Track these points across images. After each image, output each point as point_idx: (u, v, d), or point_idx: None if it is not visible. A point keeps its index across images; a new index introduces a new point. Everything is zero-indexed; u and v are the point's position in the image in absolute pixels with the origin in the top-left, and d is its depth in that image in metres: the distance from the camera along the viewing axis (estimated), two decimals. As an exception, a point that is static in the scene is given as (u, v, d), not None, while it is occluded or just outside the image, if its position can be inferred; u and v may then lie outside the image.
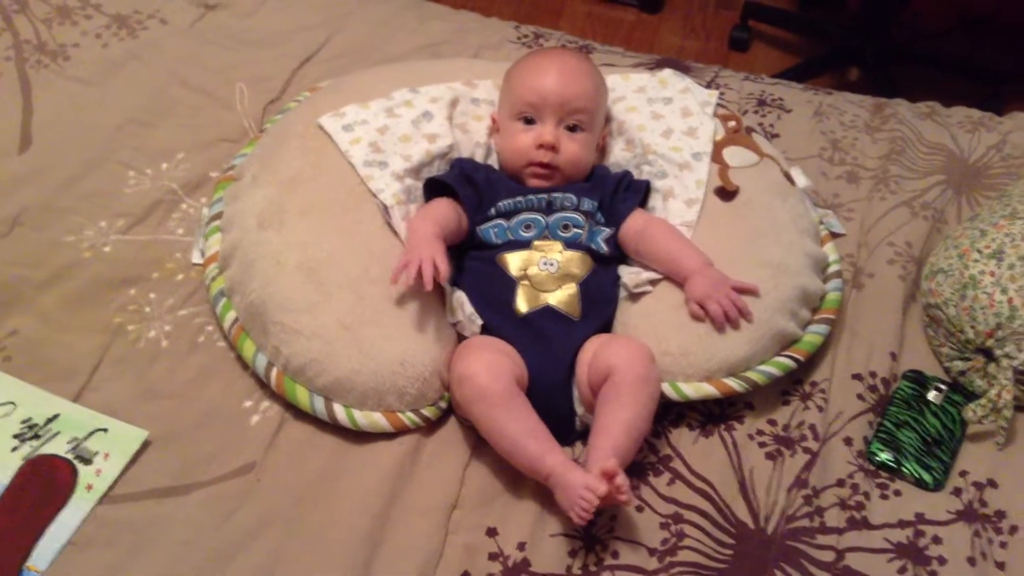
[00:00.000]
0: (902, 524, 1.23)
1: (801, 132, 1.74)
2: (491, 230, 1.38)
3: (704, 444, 1.29)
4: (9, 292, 1.37)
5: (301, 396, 1.27)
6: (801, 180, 1.56)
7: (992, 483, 1.28)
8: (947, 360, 1.40)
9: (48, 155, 1.56)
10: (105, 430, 1.23)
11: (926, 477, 1.27)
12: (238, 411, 1.28)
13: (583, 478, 1.12)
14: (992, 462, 1.30)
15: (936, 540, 1.21)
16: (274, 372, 1.29)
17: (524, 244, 1.36)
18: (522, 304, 1.32)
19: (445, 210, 1.37)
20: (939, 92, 2.00)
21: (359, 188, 1.40)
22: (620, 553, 1.18)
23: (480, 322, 1.31)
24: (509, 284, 1.33)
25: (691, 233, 1.40)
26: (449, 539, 1.18)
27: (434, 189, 1.42)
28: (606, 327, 1.36)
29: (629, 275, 1.38)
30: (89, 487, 1.18)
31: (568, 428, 1.29)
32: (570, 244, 1.37)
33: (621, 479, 1.12)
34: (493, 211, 1.40)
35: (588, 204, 1.41)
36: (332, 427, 1.26)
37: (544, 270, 1.34)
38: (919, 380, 1.37)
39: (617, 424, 1.20)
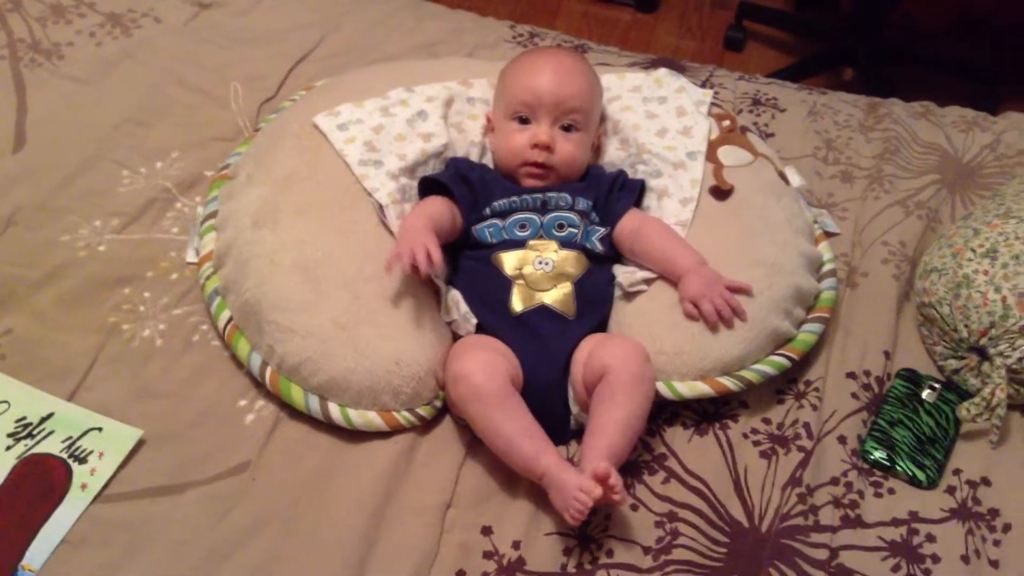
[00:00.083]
0: (896, 522, 1.23)
1: (795, 131, 1.75)
2: (486, 229, 1.38)
3: (699, 443, 1.29)
4: (3, 291, 1.37)
5: (296, 395, 1.27)
6: (795, 179, 1.56)
7: (986, 481, 1.28)
8: (941, 359, 1.40)
9: (42, 154, 1.56)
10: (100, 429, 1.23)
11: (920, 475, 1.27)
12: (233, 410, 1.28)
13: (577, 479, 1.13)
14: (986, 460, 1.30)
15: (930, 538, 1.22)
16: (269, 371, 1.29)
17: (519, 243, 1.36)
18: (517, 303, 1.32)
19: (439, 207, 1.37)
20: (933, 92, 2.01)
21: (354, 187, 1.40)
22: (615, 552, 1.18)
23: (475, 321, 1.31)
24: (504, 283, 1.33)
25: (686, 232, 1.41)
26: (444, 538, 1.18)
27: (429, 188, 1.42)
28: (601, 326, 1.36)
29: (624, 274, 1.38)
30: (84, 486, 1.18)
31: (563, 427, 1.29)
32: (565, 243, 1.37)
33: (614, 479, 1.12)
34: (488, 210, 1.40)
35: (583, 203, 1.41)
36: (327, 426, 1.26)
37: (539, 269, 1.34)
38: (913, 379, 1.37)
39: (611, 423, 1.20)
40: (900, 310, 1.47)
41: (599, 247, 1.39)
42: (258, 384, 1.30)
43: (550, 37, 1.95)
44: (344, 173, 1.41)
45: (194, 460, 1.22)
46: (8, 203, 1.48)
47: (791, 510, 1.23)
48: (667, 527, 1.21)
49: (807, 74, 2.74)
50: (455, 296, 1.33)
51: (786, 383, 1.37)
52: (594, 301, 1.36)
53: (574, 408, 1.29)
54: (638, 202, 1.46)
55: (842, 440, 1.31)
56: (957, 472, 1.29)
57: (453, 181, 1.40)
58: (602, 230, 1.40)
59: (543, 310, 1.31)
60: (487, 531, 1.19)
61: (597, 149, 1.53)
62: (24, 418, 1.23)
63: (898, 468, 1.28)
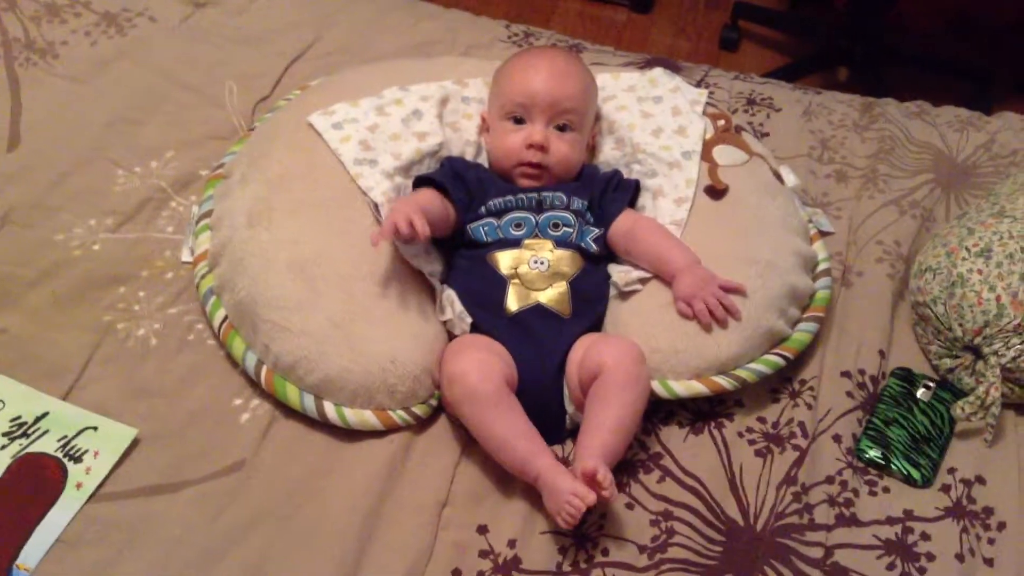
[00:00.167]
0: (891, 521, 1.23)
1: (790, 131, 1.75)
2: (481, 228, 1.38)
3: (694, 442, 1.29)
4: (-2, 290, 1.37)
5: (291, 394, 1.26)
6: (790, 179, 1.56)
7: (980, 480, 1.28)
8: (935, 358, 1.41)
9: (37, 153, 1.56)
10: (95, 428, 1.23)
11: (915, 474, 1.27)
12: (228, 409, 1.28)
13: (571, 484, 1.13)
14: (980, 459, 1.31)
15: (925, 537, 1.22)
16: (264, 370, 1.28)
17: (514, 243, 1.36)
18: (512, 303, 1.32)
19: (431, 196, 1.36)
20: (928, 92, 2.01)
21: (349, 186, 1.40)
22: (610, 550, 1.18)
23: (470, 320, 1.31)
24: (499, 283, 1.33)
25: (681, 231, 1.41)
26: (440, 536, 1.18)
27: (424, 187, 1.41)
28: (596, 325, 1.36)
29: (619, 273, 1.38)
30: (79, 485, 1.18)
31: (558, 426, 1.29)
32: (560, 243, 1.37)
33: (602, 475, 1.12)
34: (483, 209, 1.40)
35: (578, 203, 1.41)
36: (322, 425, 1.26)
37: (535, 269, 1.34)
38: (908, 378, 1.38)
39: (606, 423, 1.20)
40: (895, 309, 1.47)
41: (594, 247, 1.39)
42: (253, 383, 1.30)
43: (545, 37, 1.95)
44: (339, 172, 1.41)
45: (189, 459, 1.22)
46: (2, 202, 1.47)
47: (786, 509, 1.23)
48: (663, 526, 1.21)
49: (802, 74, 2.75)
50: (450, 295, 1.33)
51: (781, 382, 1.37)
52: (589, 300, 1.36)
53: (569, 407, 1.29)
54: (633, 202, 1.46)
55: (837, 439, 1.31)
56: (952, 471, 1.29)
57: (448, 179, 1.40)
58: (597, 230, 1.40)
59: (538, 309, 1.31)
60: (483, 530, 1.19)
61: (592, 149, 1.53)
62: (19, 417, 1.23)
63: (893, 467, 1.28)
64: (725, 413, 1.33)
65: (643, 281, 1.36)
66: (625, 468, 1.25)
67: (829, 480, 1.27)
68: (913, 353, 1.43)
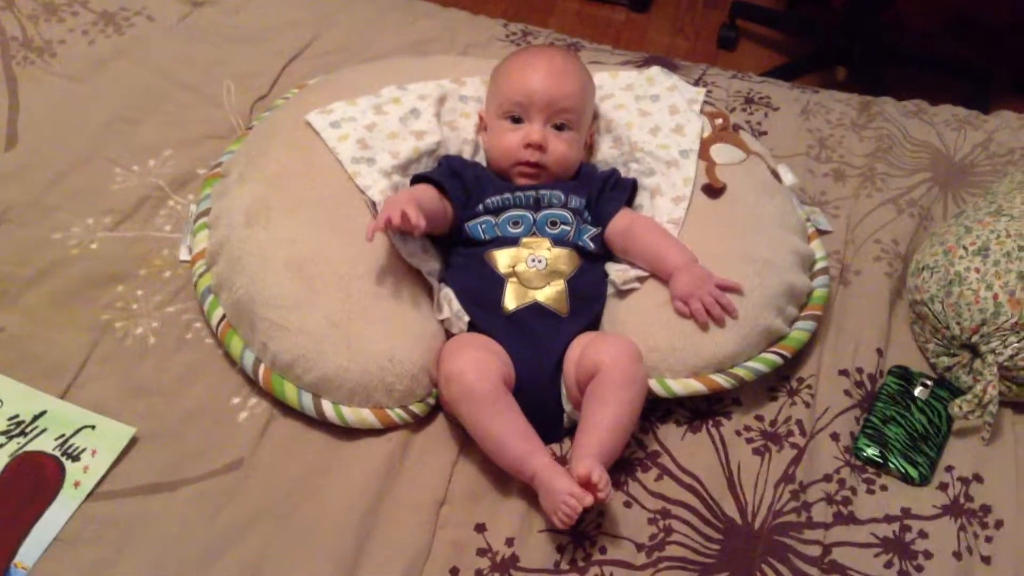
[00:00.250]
0: (888, 519, 1.24)
1: (788, 130, 1.75)
2: (479, 226, 1.38)
3: (692, 440, 1.30)
4: (-4, 289, 1.37)
5: (289, 393, 1.26)
6: (788, 177, 1.56)
7: (978, 478, 1.28)
8: (933, 356, 1.41)
9: (35, 152, 1.56)
10: (93, 427, 1.23)
11: (912, 472, 1.27)
12: (226, 408, 1.28)
13: (568, 485, 1.13)
14: (978, 457, 1.31)
15: (922, 535, 1.22)
16: (262, 369, 1.28)
17: (512, 241, 1.36)
18: (510, 301, 1.32)
19: (428, 191, 1.37)
20: (926, 91, 2.02)
21: (347, 185, 1.40)
22: (608, 548, 1.18)
23: (467, 319, 1.31)
24: (497, 281, 1.33)
25: (678, 230, 1.41)
26: (437, 535, 1.18)
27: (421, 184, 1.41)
28: (594, 324, 1.36)
29: (617, 272, 1.38)
30: (77, 484, 1.18)
31: (556, 425, 1.29)
32: (558, 241, 1.37)
33: (597, 476, 1.12)
34: (481, 208, 1.40)
35: (576, 201, 1.41)
36: (320, 423, 1.26)
37: (532, 267, 1.34)
38: (905, 376, 1.38)
39: (603, 422, 1.20)
40: (892, 308, 1.48)
41: (591, 245, 1.39)
42: (251, 382, 1.30)
43: (543, 36, 1.95)
44: (337, 171, 1.41)
45: (187, 458, 1.22)
46: (0, 201, 1.47)
47: (784, 507, 1.23)
48: (660, 524, 1.21)
49: (800, 73, 2.75)
50: (447, 293, 1.33)
51: (779, 380, 1.37)
52: (587, 299, 1.36)
53: (567, 406, 1.29)
54: (630, 201, 1.46)
55: (835, 437, 1.31)
56: (949, 469, 1.29)
57: (446, 177, 1.40)
58: (594, 229, 1.40)
59: (536, 308, 1.32)
60: (480, 528, 1.19)
61: (590, 147, 1.53)
62: (17, 416, 1.23)
63: (890, 465, 1.28)
64: (723, 411, 1.33)
65: (641, 280, 1.36)
66: (623, 466, 1.25)
67: (827, 478, 1.27)
68: (911, 351, 1.44)
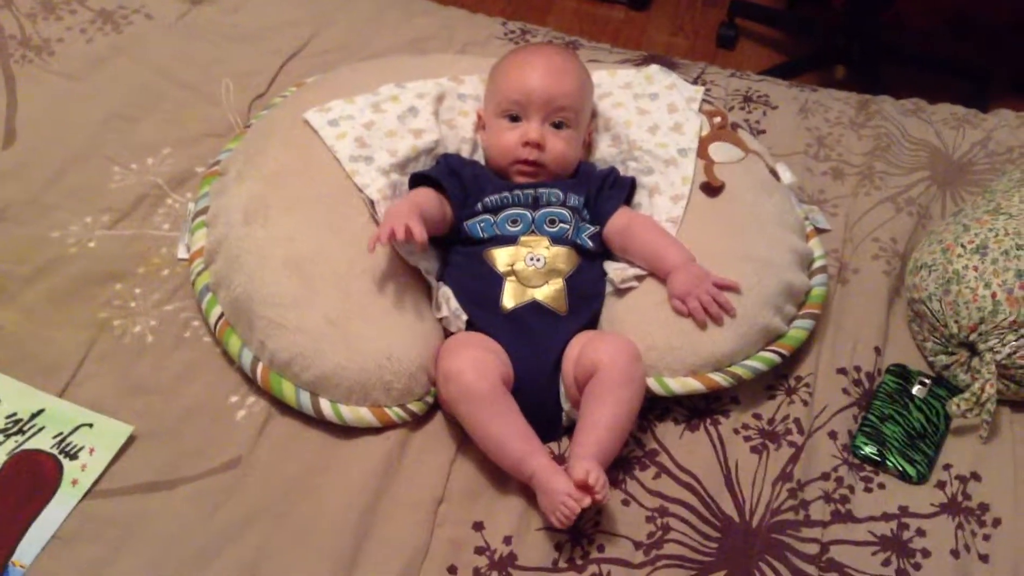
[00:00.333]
0: (886, 517, 1.24)
1: (787, 128, 1.75)
2: (477, 225, 1.38)
3: (690, 438, 1.30)
4: (-6, 287, 1.37)
5: (287, 391, 1.26)
6: (786, 176, 1.56)
7: (975, 476, 1.28)
8: (931, 354, 1.41)
9: (33, 150, 1.56)
10: (90, 425, 1.23)
11: (910, 470, 1.27)
12: (224, 406, 1.28)
13: (566, 485, 1.13)
14: (976, 455, 1.31)
15: (920, 533, 1.22)
16: (260, 367, 1.28)
17: (510, 239, 1.36)
18: (508, 300, 1.32)
19: (428, 196, 1.37)
20: (925, 90, 2.01)
21: (345, 183, 1.40)
22: (606, 547, 1.18)
23: (465, 317, 1.31)
24: (496, 280, 1.33)
25: (677, 229, 1.41)
26: (435, 533, 1.18)
27: (420, 184, 1.41)
28: (592, 322, 1.36)
29: (615, 270, 1.38)
30: (74, 482, 1.18)
31: (554, 423, 1.29)
32: (556, 239, 1.37)
33: (594, 478, 1.12)
34: (479, 206, 1.40)
35: (574, 200, 1.41)
36: (318, 422, 1.26)
37: (531, 266, 1.34)
38: (903, 374, 1.38)
39: (601, 421, 1.20)
40: (890, 306, 1.48)
41: (590, 243, 1.39)
42: (249, 380, 1.30)
43: (542, 34, 1.95)
44: (335, 169, 1.41)
45: (185, 456, 1.22)
46: (-2, 199, 1.48)
47: (782, 505, 1.23)
48: (658, 522, 1.21)
49: (799, 72, 2.75)
50: (446, 292, 1.33)
51: (777, 379, 1.37)
52: (585, 297, 1.36)
53: (565, 404, 1.29)
54: (629, 199, 1.46)
55: (833, 435, 1.31)
56: (947, 467, 1.29)
57: (444, 176, 1.40)
58: (593, 227, 1.40)
59: (534, 306, 1.31)
60: (478, 526, 1.19)
61: (588, 146, 1.53)
62: (14, 414, 1.23)
63: (888, 463, 1.28)
64: (721, 410, 1.33)
65: (639, 278, 1.36)
66: (621, 465, 1.25)
67: (825, 476, 1.27)
68: (909, 350, 1.44)
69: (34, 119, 1.61)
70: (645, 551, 1.18)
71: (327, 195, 1.38)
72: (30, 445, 1.20)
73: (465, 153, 1.51)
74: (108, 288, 1.39)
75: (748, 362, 1.32)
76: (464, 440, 1.26)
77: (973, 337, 1.34)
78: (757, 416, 1.33)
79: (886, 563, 1.19)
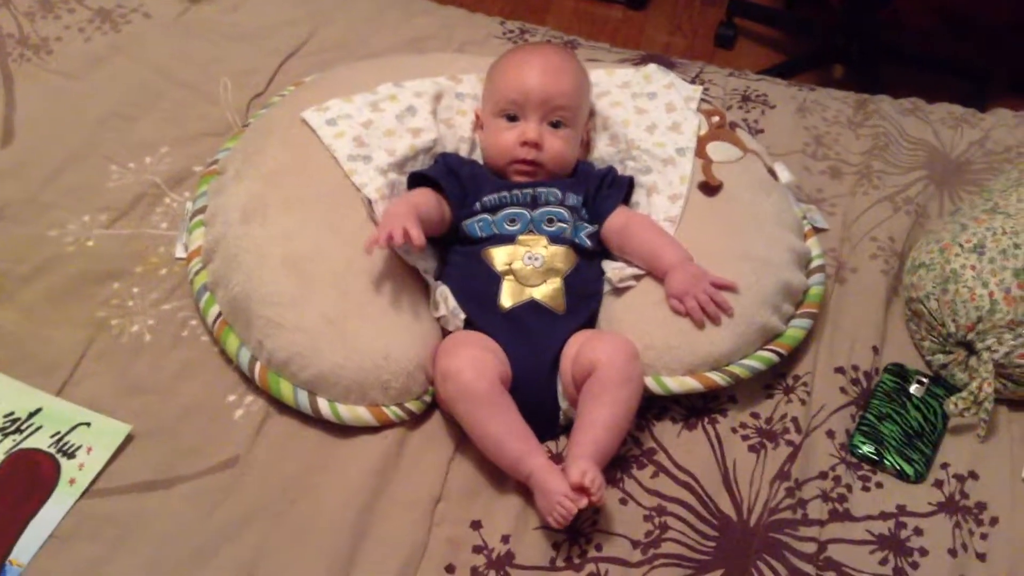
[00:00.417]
0: (884, 516, 1.24)
1: (785, 128, 1.75)
2: (476, 224, 1.38)
3: (687, 437, 1.30)
4: (-9, 286, 1.37)
5: (285, 390, 1.26)
6: (784, 175, 1.56)
7: (973, 475, 1.29)
8: (929, 353, 1.41)
9: (31, 149, 1.56)
10: (88, 424, 1.23)
11: (908, 469, 1.28)
12: (222, 405, 1.28)
13: (562, 486, 1.13)
14: (973, 454, 1.31)
15: (917, 532, 1.22)
16: (258, 366, 1.28)
17: (509, 238, 1.36)
18: (506, 299, 1.32)
19: (425, 196, 1.37)
20: (923, 90, 2.01)
21: (343, 182, 1.40)
22: (603, 546, 1.18)
23: (463, 316, 1.31)
24: (494, 279, 1.33)
25: (675, 228, 1.41)
26: (433, 532, 1.18)
27: (418, 183, 1.41)
28: (590, 321, 1.36)
29: (613, 270, 1.38)
30: (72, 481, 1.18)
31: (552, 422, 1.30)
32: (554, 239, 1.37)
33: (590, 479, 1.13)
34: (478, 205, 1.40)
35: (573, 199, 1.41)
36: (316, 421, 1.26)
37: (529, 265, 1.34)
38: (901, 373, 1.38)
39: (599, 421, 1.20)
40: (888, 305, 1.48)
41: (588, 243, 1.39)
42: (247, 379, 1.30)
43: (540, 33, 1.95)
44: (333, 168, 1.41)
45: (183, 455, 1.22)
46: (-4, 198, 1.47)
47: (779, 504, 1.24)
48: (656, 521, 1.21)
49: (798, 72, 2.74)
50: (444, 291, 1.33)
51: (775, 378, 1.37)
52: (583, 296, 1.36)
53: (563, 403, 1.29)
54: (627, 198, 1.46)
55: (830, 434, 1.31)
56: (945, 466, 1.30)
57: (442, 175, 1.40)
58: (591, 226, 1.40)
59: (532, 305, 1.32)
60: (476, 525, 1.19)
61: (586, 145, 1.53)
62: (12, 413, 1.23)
63: (886, 462, 1.28)
64: (719, 409, 1.33)
65: (637, 277, 1.37)
66: (619, 464, 1.25)
67: (822, 475, 1.27)
68: (906, 349, 1.44)
69: (32, 118, 1.61)
70: (643, 550, 1.18)
71: (325, 194, 1.38)
72: (28, 444, 1.20)
73: (463, 152, 1.51)
74: (106, 287, 1.39)
75: (746, 361, 1.32)
76: (462, 439, 1.26)
77: (971, 336, 1.34)
78: (755, 415, 1.33)
79: (883, 562, 1.19)
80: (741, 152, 1.53)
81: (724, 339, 1.31)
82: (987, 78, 2.77)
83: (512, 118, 1.44)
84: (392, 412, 1.26)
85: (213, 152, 1.57)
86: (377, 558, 1.15)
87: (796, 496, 1.24)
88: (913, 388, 1.36)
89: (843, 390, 1.36)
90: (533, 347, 1.29)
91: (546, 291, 1.32)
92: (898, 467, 1.28)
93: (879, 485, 1.27)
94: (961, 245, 1.38)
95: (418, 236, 1.25)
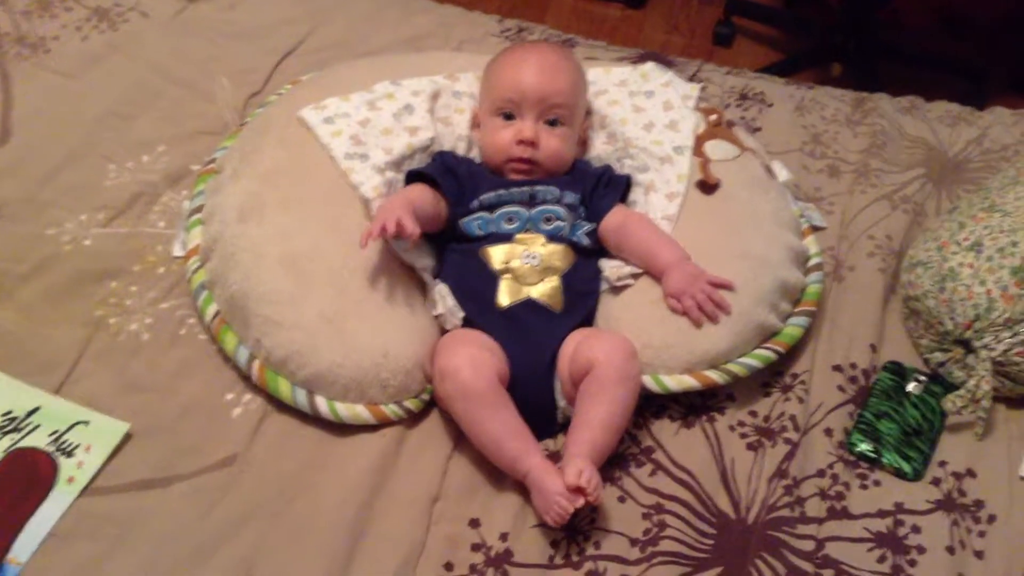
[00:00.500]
0: (882, 514, 1.24)
1: (783, 126, 1.75)
2: (474, 222, 1.38)
3: (686, 435, 1.30)
4: (-11, 285, 1.37)
5: (283, 388, 1.26)
6: (782, 174, 1.56)
7: (971, 473, 1.29)
8: (926, 352, 1.41)
9: (28, 148, 1.56)
10: (86, 423, 1.23)
11: (905, 467, 1.28)
12: (220, 404, 1.28)
13: (559, 486, 1.13)
14: (971, 452, 1.31)
15: (915, 529, 1.22)
16: (256, 365, 1.28)
17: (506, 237, 1.36)
18: (504, 297, 1.32)
19: (421, 192, 1.37)
20: (921, 88, 2.01)
21: (340, 181, 1.39)
22: (602, 543, 1.18)
23: (462, 315, 1.31)
24: (491, 277, 1.33)
25: (672, 226, 1.41)
26: (432, 530, 1.18)
27: (415, 182, 1.41)
28: (588, 320, 1.36)
29: (611, 268, 1.38)
30: (70, 479, 1.18)
31: (550, 420, 1.30)
32: (552, 237, 1.37)
33: (586, 479, 1.13)
34: (476, 203, 1.40)
35: (570, 197, 1.41)
36: (314, 419, 1.26)
37: (527, 263, 1.34)
38: (899, 371, 1.38)
39: (596, 420, 1.21)
40: (886, 303, 1.48)
41: (586, 241, 1.39)
42: (245, 378, 1.30)
43: (538, 32, 1.95)
44: (330, 167, 1.41)
45: (181, 454, 1.22)
46: (-6, 197, 1.47)
47: (777, 502, 1.24)
48: (654, 519, 1.21)
49: (795, 70, 2.74)
50: (442, 289, 1.33)
51: (772, 376, 1.37)
52: (581, 295, 1.36)
53: (561, 402, 1.29)
54: (624, 197, 1.46)
55: (828, 432, 1.31)
56: (942, 464, 1.30)
57: (440, 173, 1.40)
58: (588, 225, 1.40)
59: (530, 304, 1.32)
60: (475, 523, 1.19)
61: (584, 143, 1.53)
62: (10, 412, 1.23)
63: (884, 460, 1.28)
64: (717, 407, 1.33)
65: (635, 276, 1.37)
66: (617, 462, 1.26)
67: (820, 473, 1.27)
68: (904, 347, 1.44)
69: (29, 117, 1.61)
70: (641, 548, 1.18)
71: (322, 193, 1.38)
72: (26, 443, 1.20)
73: (461, 151, 1.51)
74: (104, 286, 1.39)
75: (744, 359, 1.32)
76: (460, 437, 1.26)
77: (968, 334, 1.34)
78: (753, 413, 1.33)
79: (881, 559, 1.19)
80: (739, 150, 1.53)
81: (722, 337, 1.31)
82: (985, 77, 2.76)
83: (508, 116, 1.44)
84: (390, 410, 1.26)
85: (210, 151, 1.57)
86: (375, 556, 1.15)
87: (794, 494, 1.24)
88: (911, 386, 1.36)
89: (841, 388, 1.36)
90: (531, 346, 1.29)
91: (544, 290, 1.32)
92: (896, 465, 1.28)
93: (877, 483, 1.27)
94: (959, 243, 1.38)
95: (411, 226, 1.25)
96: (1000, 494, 1.26)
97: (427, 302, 1.35)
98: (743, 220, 1.43)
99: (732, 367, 1.31)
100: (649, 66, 1.63)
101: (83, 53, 1.73)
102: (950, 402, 1.30)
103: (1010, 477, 1.28)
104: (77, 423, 1.23)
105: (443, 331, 1.33)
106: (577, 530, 1.19)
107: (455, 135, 1.51)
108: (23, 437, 1.21)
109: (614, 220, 1.40)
